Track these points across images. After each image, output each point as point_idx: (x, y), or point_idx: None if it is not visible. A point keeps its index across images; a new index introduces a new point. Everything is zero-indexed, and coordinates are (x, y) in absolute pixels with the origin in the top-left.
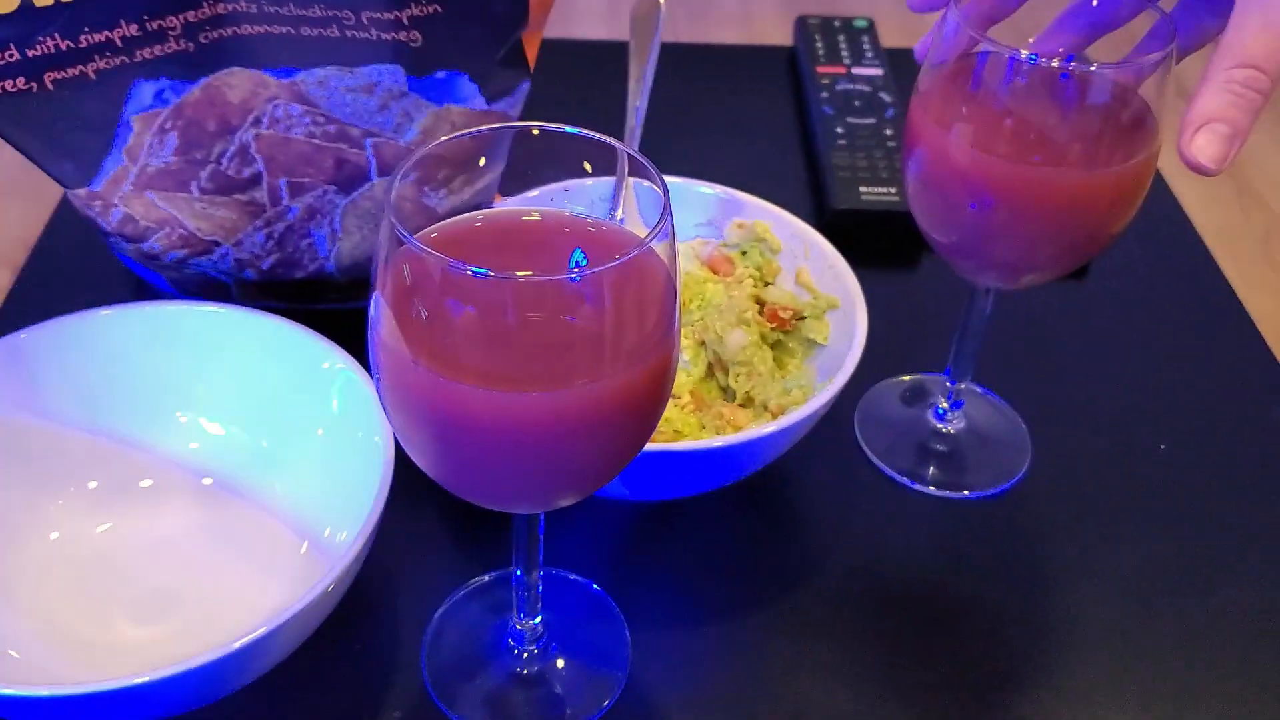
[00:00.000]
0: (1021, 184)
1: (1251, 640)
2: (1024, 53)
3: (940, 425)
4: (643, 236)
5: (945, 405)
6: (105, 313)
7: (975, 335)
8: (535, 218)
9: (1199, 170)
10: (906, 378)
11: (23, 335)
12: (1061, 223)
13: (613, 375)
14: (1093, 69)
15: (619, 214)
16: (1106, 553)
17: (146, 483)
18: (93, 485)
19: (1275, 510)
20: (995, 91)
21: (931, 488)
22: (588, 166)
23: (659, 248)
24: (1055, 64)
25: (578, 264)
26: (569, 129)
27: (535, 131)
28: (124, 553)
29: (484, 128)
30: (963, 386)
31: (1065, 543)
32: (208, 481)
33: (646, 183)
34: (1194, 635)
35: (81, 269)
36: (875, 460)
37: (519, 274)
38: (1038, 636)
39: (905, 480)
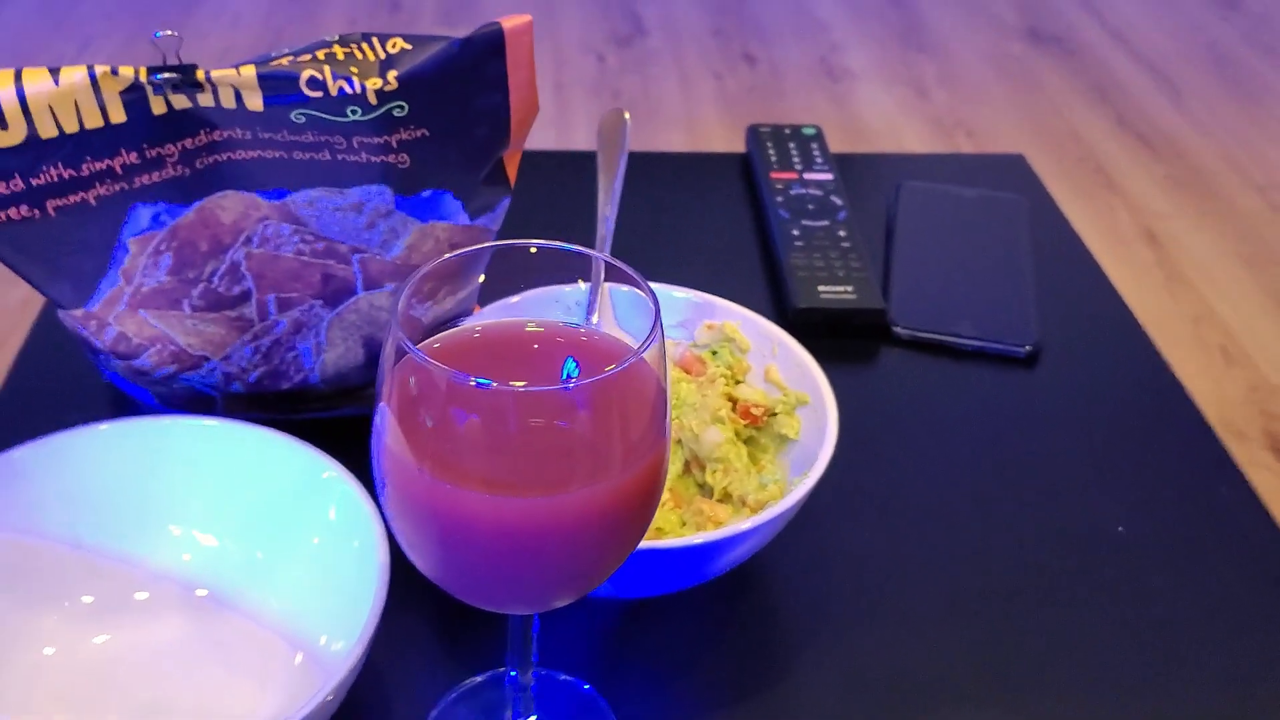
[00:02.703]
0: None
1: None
2: None
3: None
4: (621, 340)
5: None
6: (102, 428)
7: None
8: (532, 329)
9: None
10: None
11: (17, 452)
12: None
13: (608, 479)
14: None
15: (595, 319)
16: (1076, 631)
17: (141, 595)
18: (88, 600)
19: (1232, 585)
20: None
21: None
22: (580, 284)
23: (649, 355)
24: None
25: (571, 375)
26: (557, 244)
27: (533, 250)
28: (118, 667)
29: (479, 246)
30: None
31: (1032, 619)
32: (202, 593)
33: (623, 288)
34: (1166, 713)
35: (60, 385)
36: None
37: (518, 385)
38: (1015, 717)
39: None
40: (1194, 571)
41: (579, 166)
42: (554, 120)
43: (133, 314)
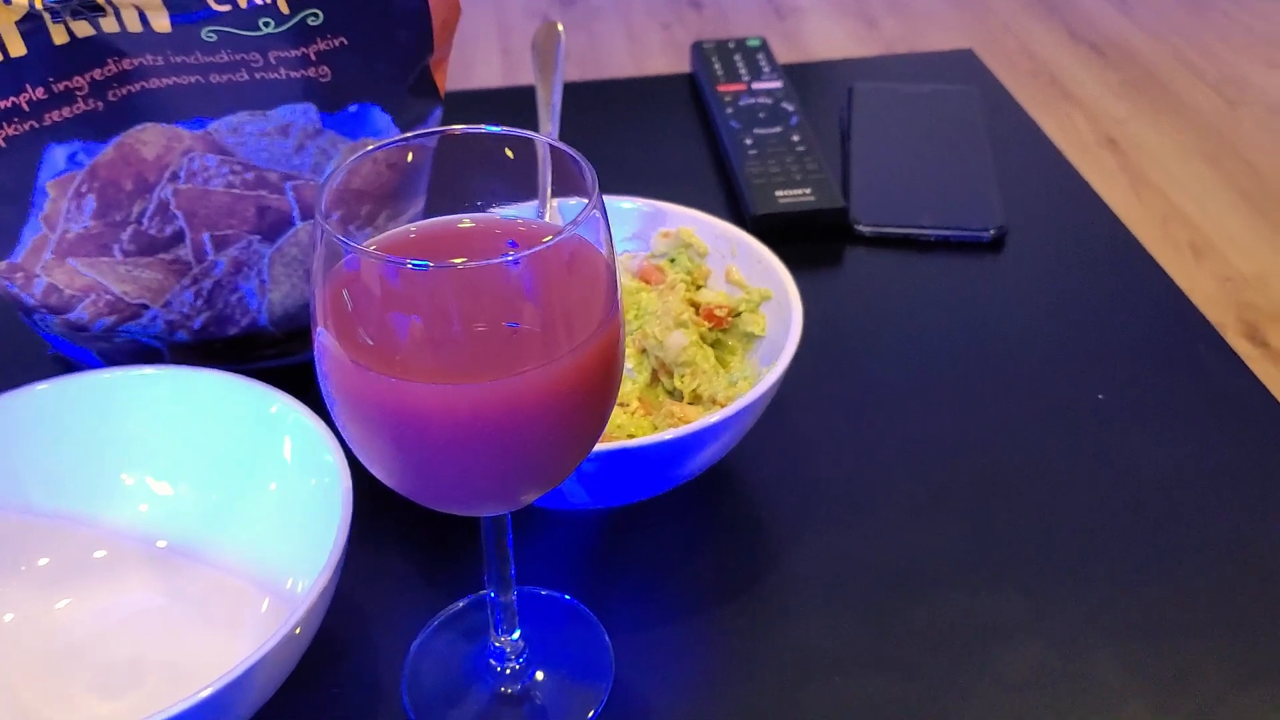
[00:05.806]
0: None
1: (1213, 571)
2: None
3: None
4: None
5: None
6: (39, 388)
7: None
8: (468, 224)
9: None
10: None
11: None
12: None
13: (560, 360)
14: None
15: (546, 218)
16: (1064, 501)
17: (100, 554)
18: (44, 562)
19: (1216, 439)
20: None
21: None
22: (509, 153)
23: (590, 228)
24: None
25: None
26: (489, 128)
27: (457, 131)
28: (83, 627)
29: (394, 139)
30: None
31: (1020, 496)
32: (162, 544)
33: (572, 200)
34: (1159, 572)
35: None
36: None
37: (457, 262)
38: (1010, 590)
39: None
40: (1180, 434)
41: (523, 103)
42: (499, 67)
43: (61, 263)
